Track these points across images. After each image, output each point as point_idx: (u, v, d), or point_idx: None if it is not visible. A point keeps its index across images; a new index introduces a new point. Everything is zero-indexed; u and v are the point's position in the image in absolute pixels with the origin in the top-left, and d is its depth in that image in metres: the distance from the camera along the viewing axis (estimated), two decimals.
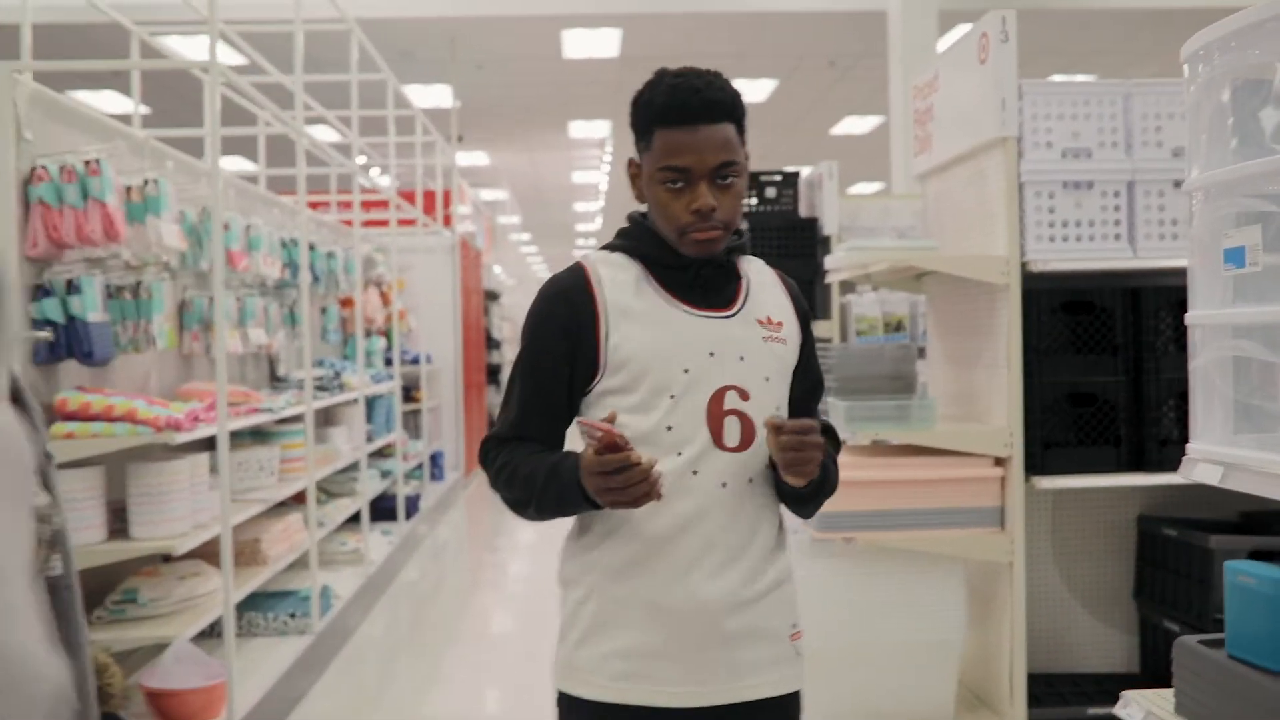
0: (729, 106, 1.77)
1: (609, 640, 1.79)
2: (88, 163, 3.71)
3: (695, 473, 1.75)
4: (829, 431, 1.96)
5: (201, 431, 3.85)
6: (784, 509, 1.89)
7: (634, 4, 9.51)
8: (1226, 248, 1.70)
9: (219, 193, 3.98)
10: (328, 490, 6.52)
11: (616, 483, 1.62)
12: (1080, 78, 11.71)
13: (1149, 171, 3.44)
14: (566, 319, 1.81)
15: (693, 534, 1.76)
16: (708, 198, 1.74)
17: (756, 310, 1.84)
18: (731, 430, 1.77)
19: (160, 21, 8.07)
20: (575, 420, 1.61)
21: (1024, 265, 3.42)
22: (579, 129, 14.70)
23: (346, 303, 7.60)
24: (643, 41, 10.41)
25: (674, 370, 1.77)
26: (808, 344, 1.93)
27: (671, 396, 1.77)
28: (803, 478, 1.73)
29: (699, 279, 1.82)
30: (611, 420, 1.64)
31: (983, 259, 3.45)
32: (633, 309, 1.80)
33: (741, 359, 1.79)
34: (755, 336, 1.81)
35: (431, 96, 12.18)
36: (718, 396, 1.76)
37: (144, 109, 11.43)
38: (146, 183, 4.10)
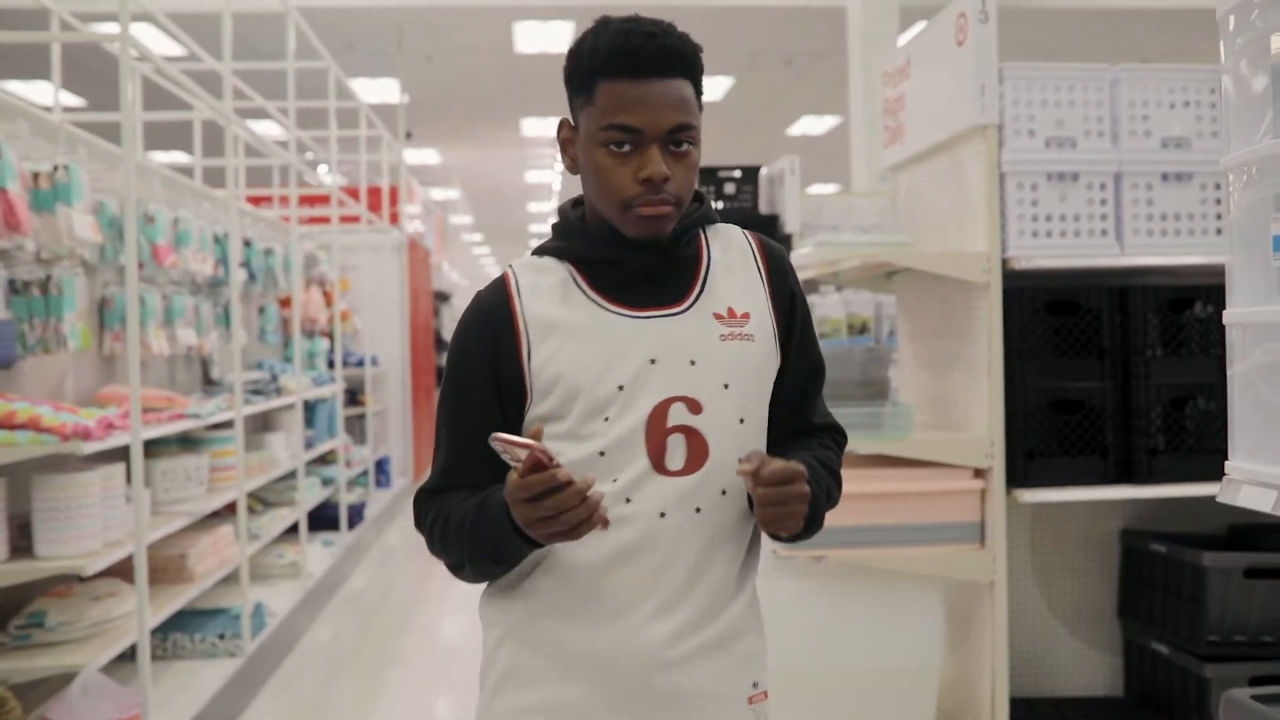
0: (688, 60, 1.50)
1: (527, 691, 1.54)
2: None
3: (629, 500, 1.48)
4: (832, 431, 1.70)
5: (116, 440, 3.53)
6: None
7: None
8: (1277, 234, 1.46)
9: (131, 179, 3.66)
10: (264, 499, 6.19)
11: (546, 509, 1.33)
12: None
13: (1137, 163, 3.23)
14: (489, 342, 1.55)
15: (623, 572, 1.49)
16: (659, 164, 1.46)
17: (714, 302, 1.57)
18: (676, 451, 1.50)
19: (89, 14, 7.71)
20: (491, 437, 1.33)
21: (1005, 262, 3.19)
22: (532, 126, 14.40)
23: (286, 302, 7.27)
24: None
25: (608, 387, 1.50)
26: (795, 327, 1.63)
27: (606, 419, 1.50)
28: (784, 531, 1.46)
29: (640, 273, 1.55)
30: (536, 437, 1.35)
31: (961, 256, 3.22)
32: (557, 320, 1.54)
33: (692, 364, 1.51)
34: (711, 335, 1.54)
35: (379, 90, 11.84)
36: (659, 411, 1.50)
37: (76, 100, 11.06)
38: (56, 169, 3.77)
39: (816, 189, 17.79)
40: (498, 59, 11.03)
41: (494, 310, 1.56)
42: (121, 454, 3.91)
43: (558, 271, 1.58)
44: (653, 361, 1.51)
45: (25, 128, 3.70)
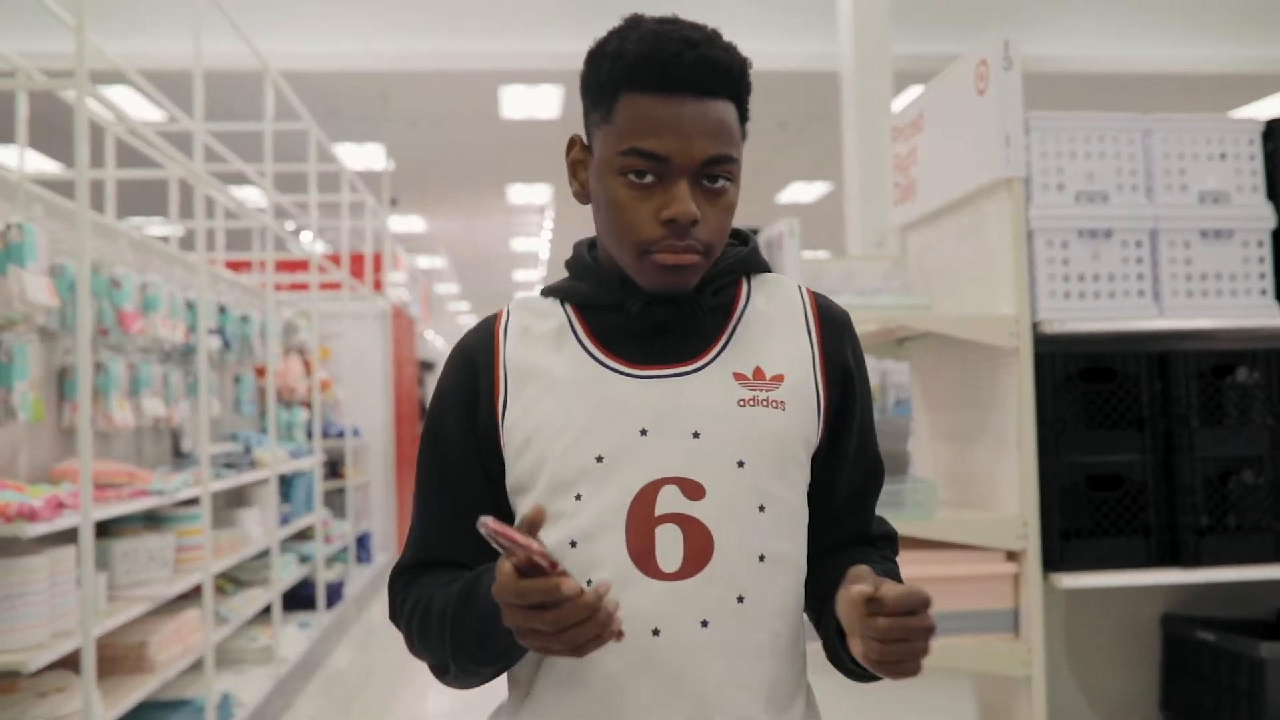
0: (734, 77, 1.24)
1: None
2: None
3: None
4: (890, 541, 1.42)
5: (66, 520, 3.23)
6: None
7: (576, 61, 9.07)
8: None
9: (85, 237, 3.40)
10: (236, 579, 5.86)
11: (544, 623, 1.04)
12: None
13: (1174, 219, 2.99)
14: (467, 387, 1.32)
15: (600, 711, 1.21)
16: (687, 203, 1.20)
17: (738, 359, 1.29)
18: (668, 547, 1.21)
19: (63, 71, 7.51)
20: (479, 522, 1.05)
21: (1035, 326, 2.94)
22: (518, 193, 14.25)
23: (263, 371, 7.00)
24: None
25: (582, 457, 1.24)
26: (853, 409, 1.35)
27: (578, 497, 1.23)
28: (904, 675, 1.15)
29: (651, 323, 1.28)
30: (535, 522, 1.06)
31: (988, 319, 2.97)
32: (539, 369, 1.29)
33: (695, 436, 1.24)
34: (725, 399, 1.26)
35: (364, 156, 11.66)
36: (645, 495, 1.22)
37: (53, 164, 10.84)
38: (9, 228, 3.51)
39: (808, 255, 17.62)
40: (483, 125, 10.87)
41: (477, 352, 1.33)
42: (74, 535, 3.61)
43: (557, 315, 1.33)
44: (643, 432, 1.24)
45: None
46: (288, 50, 8.37)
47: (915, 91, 3.95)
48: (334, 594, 7.48)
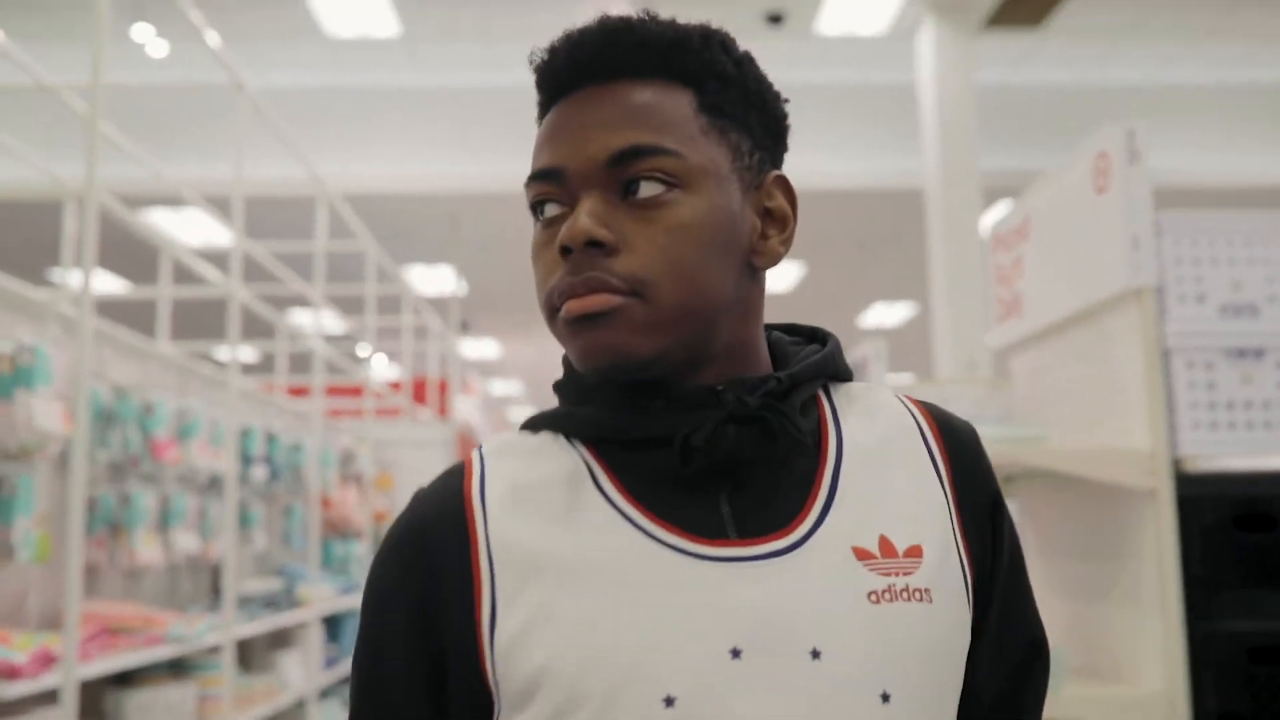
0: (661, 48, 0.88)
1: None
2: None
3: None
4: None
5: (51, 679, 2.85)
6: None
7: None
8: None
9: (86, 348, 3.08)
10: None
11: None
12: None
13: None
14: (421, 595, 0.88)
15: None
16: (576, 220, 0.85)
17: (853, 525, 0.88)
18: None
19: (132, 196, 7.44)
20: None
21: (1176, 463, 2.46)
22: None
23: (326, 503, 6.67)
24: None
25: (641, 699, 0.80)
26: (1000, 567, 0.94)
27: None
28: None
29: (712, 464, 0.87)
30: None
31: (1118, 454, 2.50)
32: (550, 554, 0.85)
33: (815, 656, 0.81)
34: (850, 593, 0.85)
35: (435, 280, 11.50)
36: None
37: (117, 283, 10.83)
38: (21, 350, 3.22)
39: (892, 378, 17.14)
40: None
41: (435, 534, 0.89)
42: (86, 687, 3.23)
43: (560, 457, 0.92)
44: (735, 653, 0.81)
45: None
46: (359, 172, 8.27)
47: (1003, 208, 3.56)
48: None
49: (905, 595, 0.85)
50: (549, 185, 0.88)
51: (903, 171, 8.80)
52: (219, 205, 4.94)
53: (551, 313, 0.89)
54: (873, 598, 0.84)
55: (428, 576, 0.88)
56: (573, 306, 0.85)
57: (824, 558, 0.85)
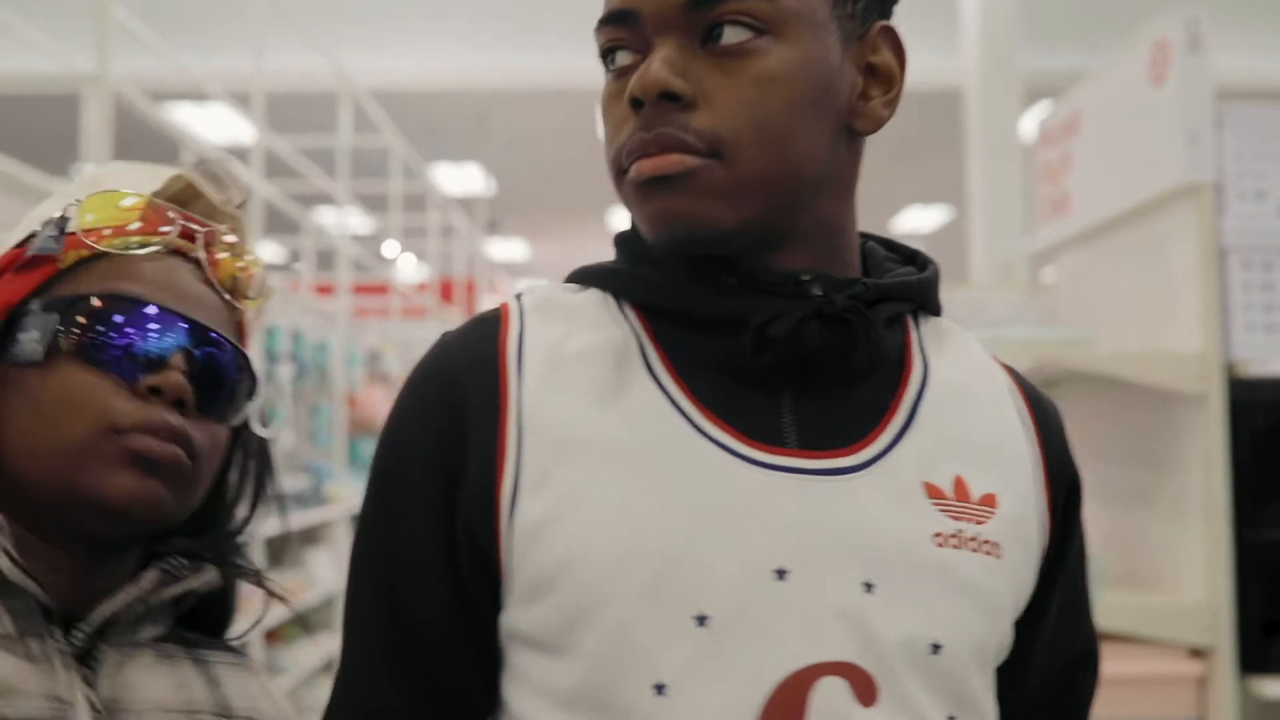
0: None
1: None
2: None
3: None
4: None
5: None
6: None
7: None
8: None
9: None
10: (303, 623, 5.48)
11: None
12: None
13: None
14: (446, 450, 0.79)
15: None
16: (649, 67, 0.75)
17: (930, 456, 0.80)
18: None
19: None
20: None
21: (1229, 368, 2.37)
22: (620, 219, 13.84)
23: (353, 402, 6.66)
24: None
25: (670, 612, 0.73)
26: (1070, 551, 0.87)
27: (659, 688, 0.72)
28: None
29: (783, 357, 0.77)
30: None
31: (1167, 358, 2.41)
32: (587, 439, 0.76)
33: (868, 589, 0.75)
34: (916, 529, 0.78)
35: (463, 178, 11.36)
36: (789, 693, 0.72)
37: None
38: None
39: None
40: (582, 146, 10.51)
41: (462, 378, 0.80)
42: None
43: (608, 326, 0.82)
44: (780, 574, 0.73)
45: None
46: (385, 66, 8.11)
47: (1044, 109, 3.43)
48: None
49: (973, 545, 0.79)
50: (621, 30, 0.78)
51: (940, 70, 8.56)
52: (241, 101, 4.84)
53: (619, 173, 0.79)
54: (938, 540, 0.78)
55: (453, 430, 0.79)
56: (643, 167, 0.76)
57: (891, 485, 0.78)
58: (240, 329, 0.92)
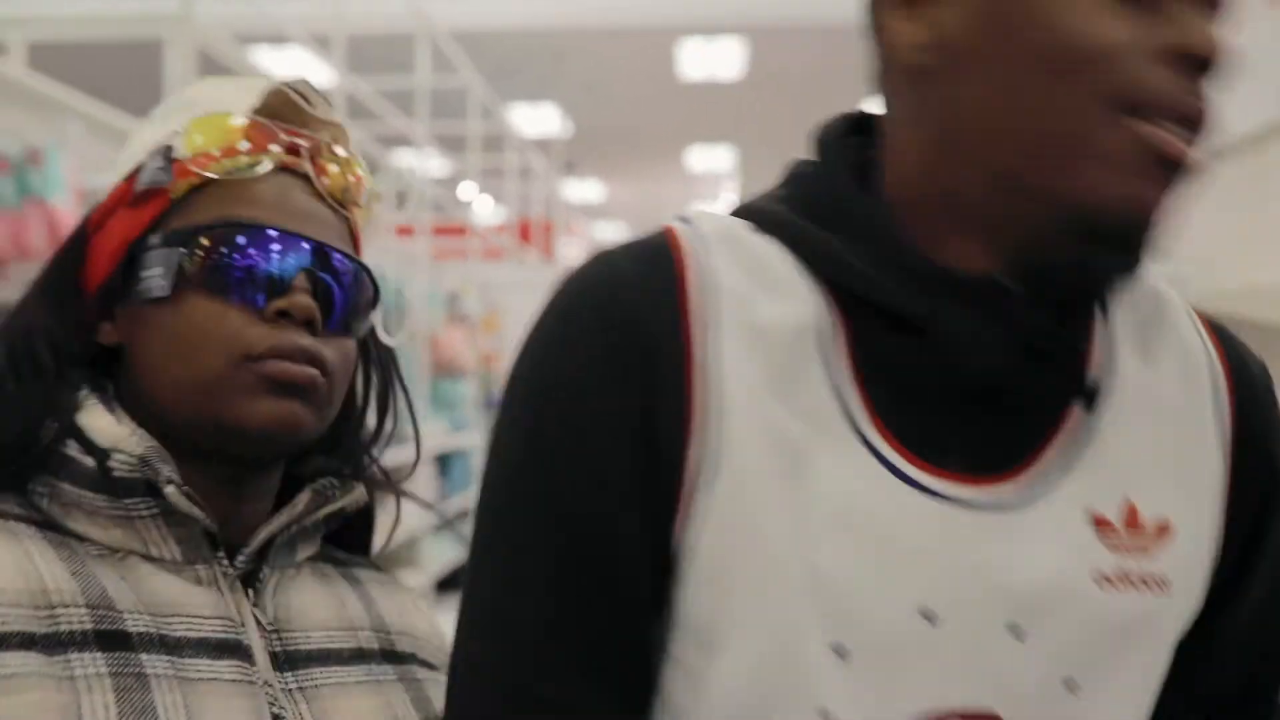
0: None
1: None
2: (31, 150, 2.83)
3: None
4: None
5: None
6: None
7: (760, 14, 8.49)
8: None
9: None
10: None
11: None
12: None
13: None
14: (637, 417, 0.69)
15: None
16: (1206, 29, 0.65)
17: (1101, 480, 0.72)
18: None
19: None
20: None
21: None
22: (697, 159, 13.73)
23: (434, 343, 6.73)
24: (770, 58, 9.40)
25: (809, 642, 0.68)
26: (1265, 552, 0.76)
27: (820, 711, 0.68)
28: None
29: (995, 363, 0.69)
30: None
31: (1273, 292, 2.33)
32: (761, 428, 0.69)
33: (1015, 634, 0.69)
34: (1075, 569, 0.70)
35: (539, 120, 11.34)
36: None
37: None
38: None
39: None
40: (660, 85, 10.42)
41: (648, 325, 0.69)
42: None
43: (801, 291, 0.71)
44: (928, 617, 0.68)
45: (80, 130, 3.08)
46: (462, 7, 8.07)
47: None
48: None
49: (1140, 583, 0.71)
50: None
51: None
52: (321, 43, 4.85)
53: (1118, 109, 0.65)
54: (1101, 582, 0.70)
55: (645, 389, 0.68)
56: (1178, 146, 0.66)
57: (1053, 519, 0.70)
58: (354, 238, 0.92)
